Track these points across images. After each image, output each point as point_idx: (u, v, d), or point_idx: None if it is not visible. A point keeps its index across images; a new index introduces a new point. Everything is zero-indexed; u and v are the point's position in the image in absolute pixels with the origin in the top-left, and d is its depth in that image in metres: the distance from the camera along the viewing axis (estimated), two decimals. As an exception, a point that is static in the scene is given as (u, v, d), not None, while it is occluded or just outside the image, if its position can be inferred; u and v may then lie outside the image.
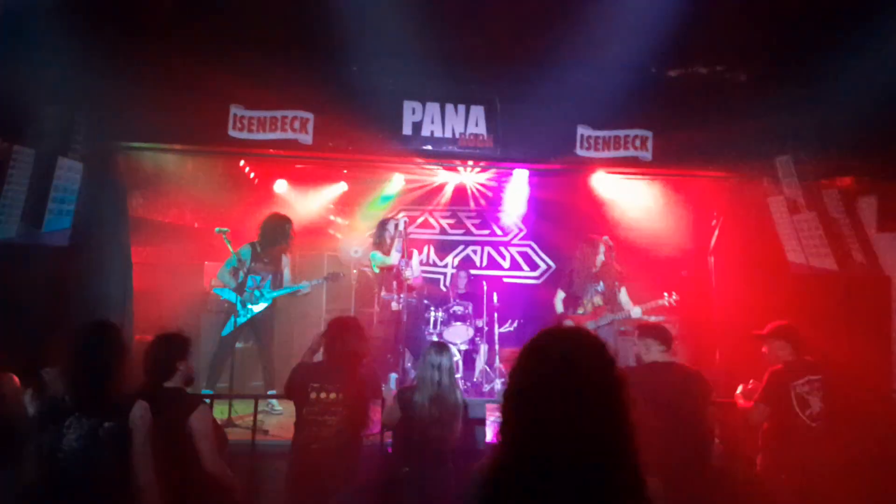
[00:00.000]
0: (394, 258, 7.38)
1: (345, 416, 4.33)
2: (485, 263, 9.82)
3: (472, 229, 9.94)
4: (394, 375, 7.21)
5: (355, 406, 4.40)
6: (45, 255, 5.60)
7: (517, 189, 8.71)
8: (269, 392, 6.55)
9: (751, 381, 4.99)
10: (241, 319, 6.58)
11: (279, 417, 6.37)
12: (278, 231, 6.86)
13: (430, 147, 6.48)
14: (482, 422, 5.72)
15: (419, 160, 6.88)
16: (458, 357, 7.63)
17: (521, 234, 9.78)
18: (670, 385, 4.43)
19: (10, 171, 5.45)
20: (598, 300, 7.20)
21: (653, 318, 7.29)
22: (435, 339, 8.11)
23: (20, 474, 3.18)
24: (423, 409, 4.28)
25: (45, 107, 5.69)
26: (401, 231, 7.43)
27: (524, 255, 9.79)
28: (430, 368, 4.38)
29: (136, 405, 3.20)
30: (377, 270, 7.55)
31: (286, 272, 7.02)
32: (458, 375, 4.65)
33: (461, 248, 9.91)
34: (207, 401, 4.27)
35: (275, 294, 6.83)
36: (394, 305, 7.38)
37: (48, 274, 5.51)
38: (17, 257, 5.38)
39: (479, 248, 9.91)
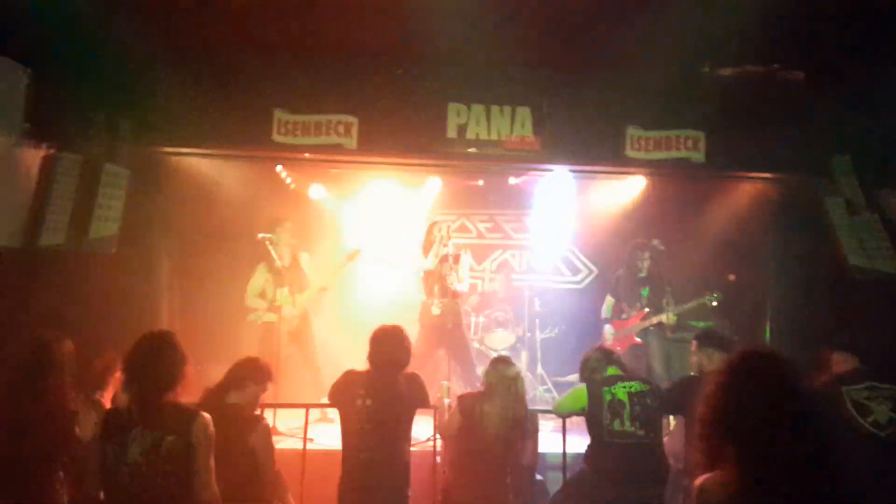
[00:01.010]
0: (429, 263, 7.29)
1: (390, 425, 4.23)
2: (524, 268, 9.66)
3: (511, 233, 9.79)
4: (444, 382, 7.09)
5: (400, 415, 4.30)
6: (93, 262, 5.58)
7: (558, 191, 8.55)
8: (323, 400, 6.43)
9: None
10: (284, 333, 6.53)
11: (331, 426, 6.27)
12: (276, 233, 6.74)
13: (474, 150, 6.36)
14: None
15: (464, 163, 6.77)
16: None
17: (562, 239, 9.60)
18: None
19: (57, 179, 5.45)
20: (643, 304, 7.07)
21: (701, 324, 7.16)
22: (476, 345, 8.02)
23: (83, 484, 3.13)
24: (492, 421, 4.15)
25: (91, 113, 5.69)
26: (443, 236, 7.33)
27: (565, 260, 9.62)
28: (504, 378, 4.25)
29: (199, 419, 3.12)
30: (421, 274, 7.46)
31: (308, 271, 6.93)
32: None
33: (499, 252, 9.76)
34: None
35: (304, 296, 6.75)
36: (434, 310, 7.28)
37: (96, 281, 5.49)
38: (65, 264, 5.36)
39: (517, 253, 9.76)
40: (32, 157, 5.36)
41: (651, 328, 6.94)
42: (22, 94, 5.22)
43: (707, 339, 4.63)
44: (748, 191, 7.32)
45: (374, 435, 4.19)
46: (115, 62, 5.50)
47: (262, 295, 6.70)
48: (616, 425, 4.16)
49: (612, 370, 4.50)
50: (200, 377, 4.09)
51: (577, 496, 4.29)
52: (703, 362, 4.52)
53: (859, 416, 4.32)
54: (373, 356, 4.35)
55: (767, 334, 7.28)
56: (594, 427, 4.28)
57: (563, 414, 4.75)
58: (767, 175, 6.78)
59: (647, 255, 6.99)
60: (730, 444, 1.89)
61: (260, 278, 6.70)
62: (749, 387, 1.91)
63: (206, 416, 3.17)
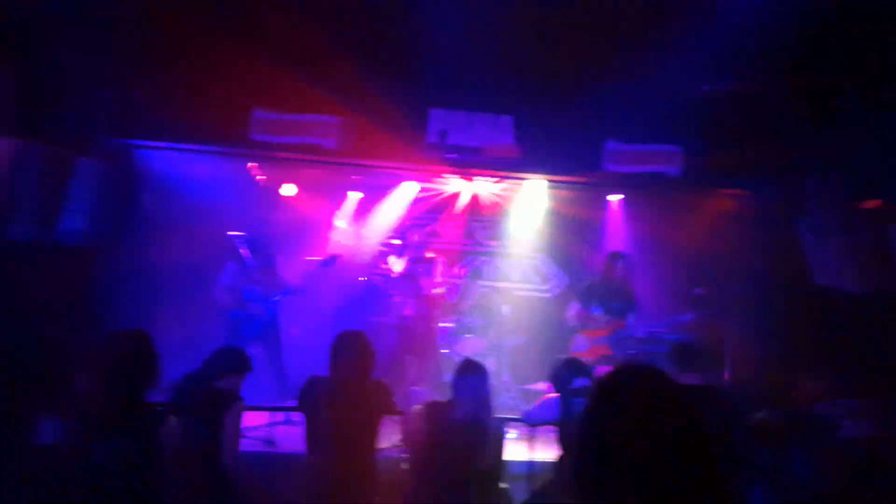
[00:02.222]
0: (400, 266, 7.30)
1: (353, 433, 4.20)
2: (495, 275, 9.68)
3: (482, 240, 9.79)
4: (415, 389, 7.07)
5: (364, 422, 4.27)
6: (61, 256, 5.44)
7: (532, 201, 8.59)
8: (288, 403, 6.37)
9: None
10: (250, 331, 6.45)
11: (294, 429, 6.20)
12: (254, 235, 6.70)
13: (455, 156, 6.36)
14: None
15: (443, 169, 6.76)
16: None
17: (534, 247, 9.64)
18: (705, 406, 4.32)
19: (27, 170, 5.31)
20: (613, 316, 7.13)
21: (668, 337, 7.25)
22: (445, 350, 8.01)
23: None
24: (459, 430, 4.13)
25: (64, 105, 5.55)
26: (417, 241, 7.33)
27: (535, 268, 9.66)
28: (471, 388, 4.23)
29: (166, 423, 3.06)
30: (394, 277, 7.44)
31: (281, 275, 6.88)
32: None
33: (470, 258, 9.76)
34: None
35: (273, 299, 6.70)
36: (402, 311, 7.29)
37: (64, 274, 5.36)
38: (32, 257, 5.22)
39: (488, 260, 9.77)
40: (2, 149, 5.21)
41: (621, 339, 7.00)
42: (-7, 83, 5.07)
43: (678, 351, 4.69)
44: (722, 206, 7.44)
45: (338, 442, 4.15)
46: (88, 52, 5.37)
47: (230, 290, 6.62)
48: (587, 437, 4.17)
49: (581, 381, 4.52)
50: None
51: (546, 506, 4.30)
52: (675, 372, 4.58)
53: (829, 431, 4.44)
54: (334, 364, 4.30)
55: (730, 351, 7.43)
56: (564, 438, 4.30)
57: (533, 424, 4.76)
58: (741, 192, 6.90)
59: (619, 265, 7.05)
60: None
61: (229, 274, 6.62)
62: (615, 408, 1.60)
63: (174, 420, 3.11)
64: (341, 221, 9.25)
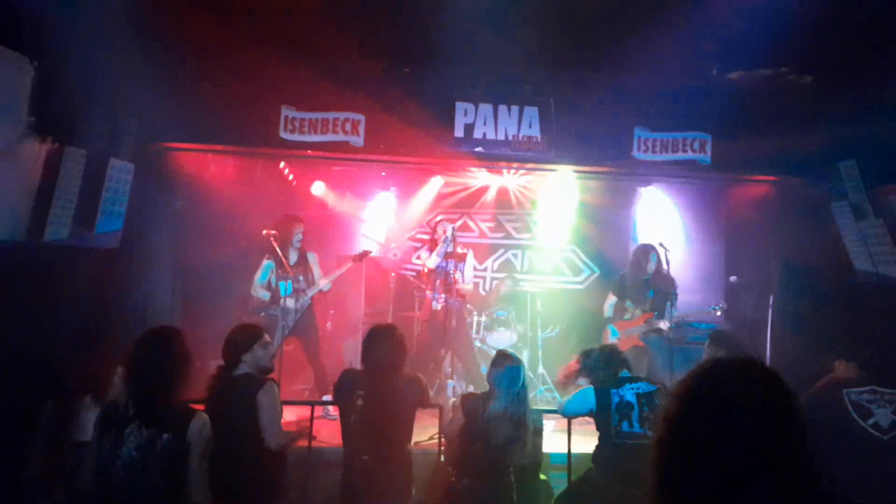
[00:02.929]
0: (433, 262, 7.31)
1: (387, 426, 4.21)
2: (526, 268, 9.65)
3: (513, 233, 9.78)
4: (450, 383, 7.08)
5: (396, 415, 4.27)
6: (97, 257, 5.54)
7: (561, 192, 8.55)
8: (325, 398, 6.44)
9: None
10: (287, 326, 6.53)
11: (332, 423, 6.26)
12: (287, 234, 6.77)
13: (481, 149, 6.34)
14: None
15: (471, 163, 6.75)
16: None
17: (564, 239, 9.59)
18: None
19: (62, 173, 5.41)
20: (647, 307, 7.06)
21: (701, 326, 7.17)
22: (478, 344, 8.01)
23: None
24: (495, 420, 4.13)
25: (96, 108, 5.65)
26: (448, 237, 7.34)
27: (567, 260, 9.61)
28: (508, 379, 4.22)
29: (196, 418, 3.10)
30: (426, 270, 7.47)
31: (316, 270, 6.94)
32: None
33: (501, 251, 9.75)
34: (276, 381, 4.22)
35: (310, 294, 6.76)
36: (434, 305, 7.30)
37: (99, 276, 5.46)
38: (69, 259, 5.32)
39: (519, 252, 9.75)
40: (37, 151, 5.32)
41: (655, 330, 6.94)
42: (28, 87, 5.17)
43: (717, 339, 4.63)
44: (754, 194, 7.33)
45: (372, 435, 4.17)
46: (121, 56, 5.45)
47: (267, 287, 6.74)
48: (625, 426, 4.15)
49: (620, 371, 4.49)
50: (205, 373, 4.09)
51: (585, 497, 4.28)
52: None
53: (860, 418, 4.33)
54: (366, 357, 4.32)
55: (769, 338, 7.32)
56: (602, 428, 4.27)
57: (570, 415, 4.73)
58: (773, 178, 6.78)
59: (653, 256, 6.97)
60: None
61: (266, 271, 6.75)
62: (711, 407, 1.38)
63: (204, 416, 3.15)
64: (371, 218, 9.33)
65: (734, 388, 1.38)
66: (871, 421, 4.31)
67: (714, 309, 6.70)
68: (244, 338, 4.10)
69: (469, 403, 4.36)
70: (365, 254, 7.23)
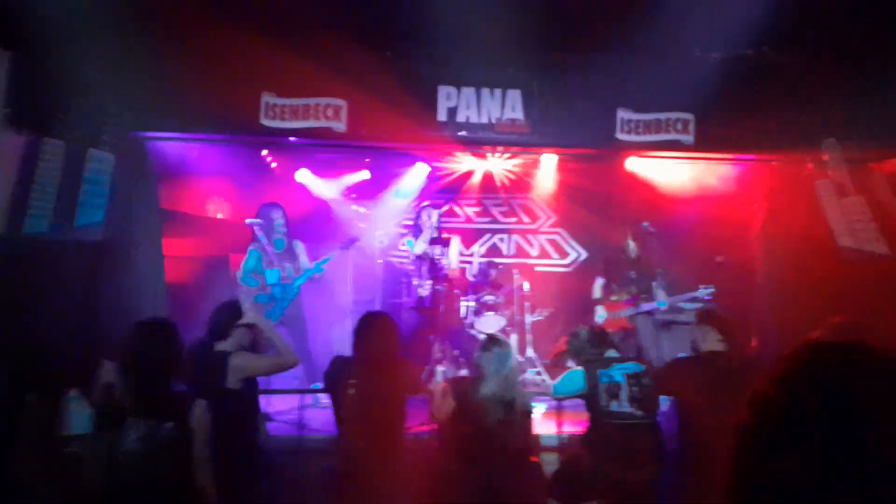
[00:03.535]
0: (418, 248, 7.32)
1: (380, 413, 4.21)
2: (512, 252, 9.65)
3: (499, 217, 9.77)
4: (440, 368, 7.09)
5: (389, 402, 4.29)
6: (79, 250, 5.47)
7: (546, 175, 8.55)
8: (314, 385, 6.42)
9: None
10: (274, 315, 6.50)
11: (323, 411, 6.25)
12: (268, 222, 6.76)
13: (465, 133, 6.30)
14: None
15: (455, 147, 6.70)
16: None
17: (550, 222, 9.60)
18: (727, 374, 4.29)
19: (40, 165, 5.31)
20: (633, 288, 7.10)
21: (688, 306, 7.21)
22: (468, 329, 8.02)
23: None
24: (488, 404, 4.13)
25: (74, 98, 5.54)
26: (432, 222, 7.33)
27: (553, 243, 9.63)
28: (497, 362, 4.22)
29: (195, 406, 3.10)
30: (412, 257, 7.47)
31: (302, 259, 6.93)
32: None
33: (488, 236, 9.74)
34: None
35: (297, 282, 6.73)
36: (420, 291, 7.30)
37: (82, 268, 5.39)
38: (51, 252, 5.25)
39: (505, 237, 9.75)
40: (14, 143, 5.22)
41: (643, 311, 6.98)
42: (3, 77, 5.07)
43: (704, 318, 4.65)
44: (738, 173, 7.35)
45: (366, 422, 4.18)
46: (97, 44, 5.35)
47: (254, 275, 6.73)
48: (614, 406, 4.18)
49: (608, 352, 4.51)
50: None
51: (576, 477, 4.31)
52: (698, 339, 4.54)
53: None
54: (358, 346, 4.32)
55: (756, 317, 7.38)
56: (592, 409, 4.30)
57: (560, 397, 4.76)
58: (756, 157, 6.80)
59: (636, 236, 7.00)
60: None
61: (252, 259, 6.73)
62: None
63: (203, 402, 3.14)
64: (357, 205, 9.29)
65: (853, 376, 1.19)
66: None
67: (703, 292, 6.74)
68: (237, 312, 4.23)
69: (459, 387, 4.36)
70: (352, 240, 7.21)
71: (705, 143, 6.35)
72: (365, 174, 8.89)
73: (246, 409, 4.25)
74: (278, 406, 6.07)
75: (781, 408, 1.22)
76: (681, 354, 5.55)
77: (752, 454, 1.23)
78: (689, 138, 6.32)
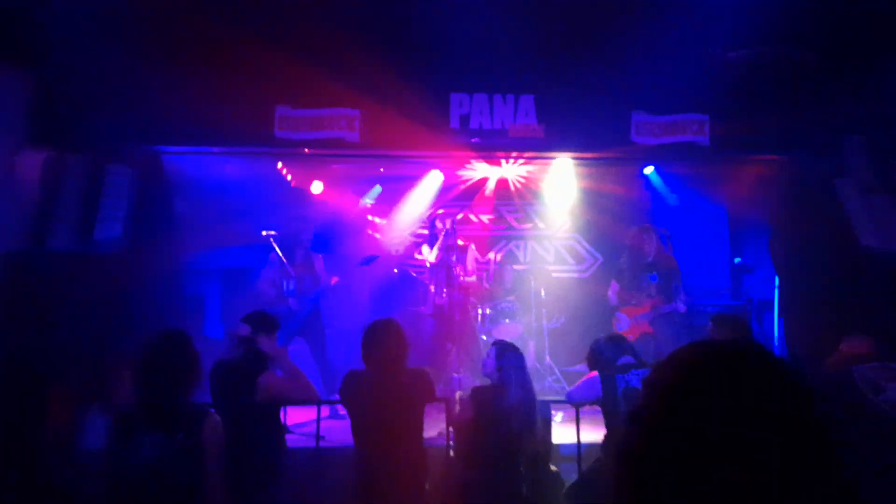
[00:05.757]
0: (433, 256, 7.32)
1: (396, 422, 4.18)
2: (528, 258, 9.62)
3: (514, 224, 9.74)
4: (457, 377, 7.07)
5: (404, 411, 4.24)
6: (99, 264, 5.53)
7: (561, 180, 8.50)
8: (332, 397, 6.43)
9: None
10: (292, 326, 6.53)
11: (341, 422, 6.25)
12: (293, 235, 6.84)
13: (478, 140, 6.30)
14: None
15: (469, 154, 6.70)
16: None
17: (566, 227, 9.56)
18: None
19: (62, 181, 5.41)
20: (652, 291, 7.02)
21: (709, 308, 7.12)
22: (484, 337, 7.99)
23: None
24: (506, 412, 4.10)
25: (94, 114, 5.63)
26: (448, 230, 7.33)
27: (569, 249, 9.57)
28: (515, 370, 4.19)
29: (208, 418, 3.09)
30: (428, 265, 7.47)
31: (320, 271, 6.97)
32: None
33: (503, 243, 9.72)
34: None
35: (315, 294, 6.76)
36: (437, 300, 7.30)
37: (102, 282, 5.45)
38: (71, 266, 5.32)
39: (521, 243, 9.71)
40: (36, 160, 5.31)
41: (662, 315, 6.90)
42: (25, 96, 5.17)
43: (720, 321, 4.59)
44: (756, 173, 7.26)
45: (382, 433, 4.14)
46: (116, 61, 5.43)
47: (271, 284, 6.76)
48: (632, 413, 4.12)
49: (625, 358, 4.46)
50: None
51: (597, 486, 4.25)
52: None
53: (872, 393, 4.27)
54: (367, 355, 4.27)
55: (776, 318, 7.27)
56: (609, 416, 4.25)
57: (576, 404, 4.71)
58: (774, 157, 6.71)
59: (652, 239, 6.93)
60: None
61: (270, 269, 6.77)
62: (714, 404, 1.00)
63: (216, 416, 3.13)
64: (373, 216, 9.32)
65: (725, 382, 1.03)
66: (883, 396, 4.27)
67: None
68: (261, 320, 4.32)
69: (481, 396, 4.33)
70: (372, 258, 7.26)
71: (721, 144, 6.29)
72: (377, 189, 8.93)
73: (268, 425, 4.24)
74: (297, 418, 6.08)
75: (654, 418, 1.06)
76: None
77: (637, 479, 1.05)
78: (704, 139, 6.26)
